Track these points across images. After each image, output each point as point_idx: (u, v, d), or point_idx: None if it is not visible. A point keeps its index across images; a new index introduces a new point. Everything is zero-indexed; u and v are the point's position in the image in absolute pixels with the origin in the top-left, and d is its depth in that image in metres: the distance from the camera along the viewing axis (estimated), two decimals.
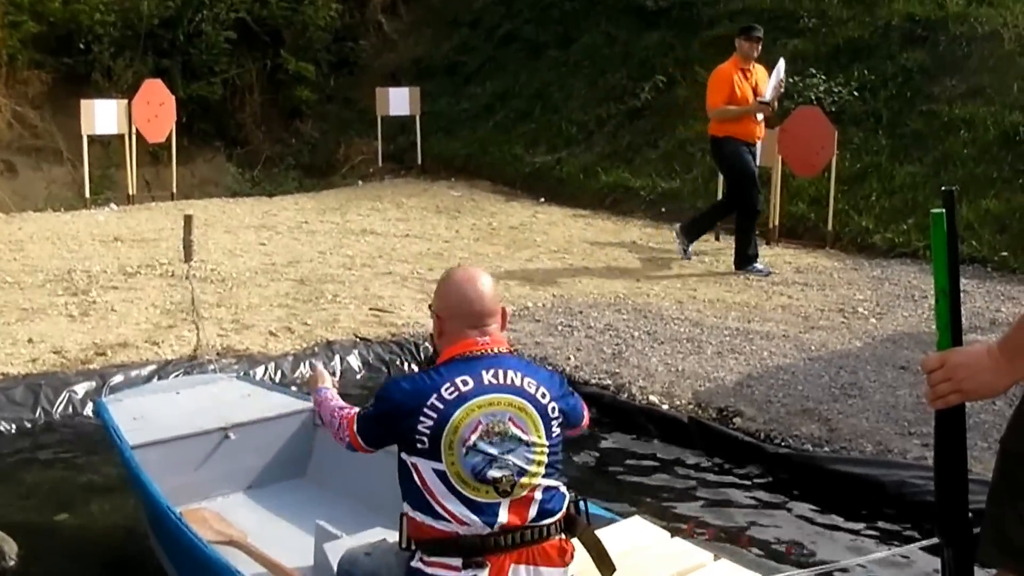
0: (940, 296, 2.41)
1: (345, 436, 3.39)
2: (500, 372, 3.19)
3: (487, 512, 3.08)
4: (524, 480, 3.11)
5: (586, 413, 3.52)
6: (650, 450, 6.23)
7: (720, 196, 10.85)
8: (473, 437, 3.09)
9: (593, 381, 6.97)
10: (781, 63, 10.16)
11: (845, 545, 5.01)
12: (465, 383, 3.14)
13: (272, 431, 5.10)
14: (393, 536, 3.46)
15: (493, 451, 3.08)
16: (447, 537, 3.09)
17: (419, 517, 3.13)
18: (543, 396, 3.19)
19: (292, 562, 3.76)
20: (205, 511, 4.43)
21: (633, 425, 6.49)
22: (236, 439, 4.94)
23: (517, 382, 3.18)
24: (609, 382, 6.95)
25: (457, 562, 3.07)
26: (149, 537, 4.64)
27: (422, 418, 3.11)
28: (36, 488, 5.60)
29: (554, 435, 3.19)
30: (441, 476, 3.10)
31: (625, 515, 4.10)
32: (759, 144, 10.21)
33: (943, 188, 2.53)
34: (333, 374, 7.30)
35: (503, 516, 3.08)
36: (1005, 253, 9.90)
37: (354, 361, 7.54)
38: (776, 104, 10.21)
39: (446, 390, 3.13)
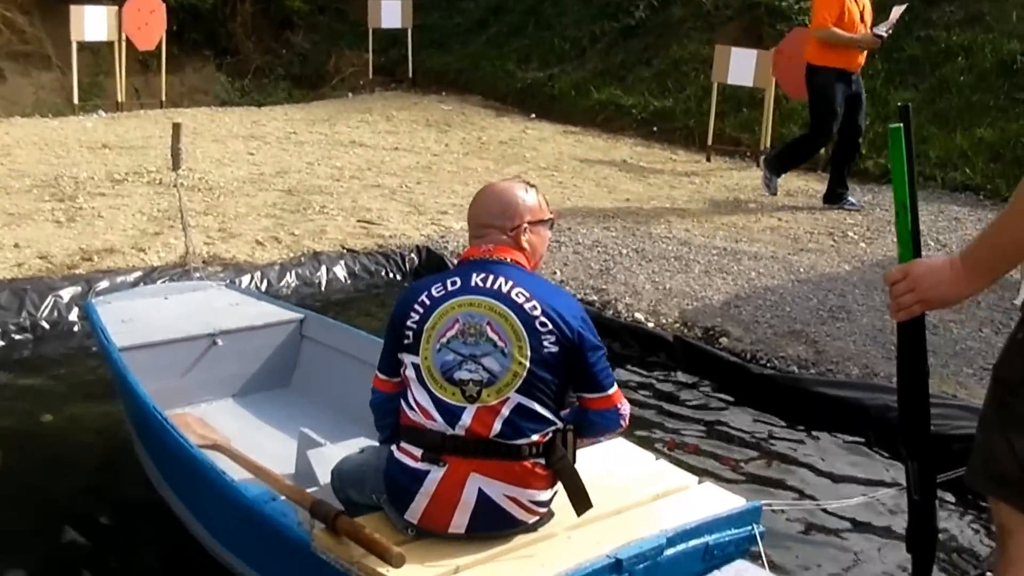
0: (900, 210, 2.52)
1: (371, 392, 3.44)
2: (491, 277, 3.19)
3: (452, 413, 3.11)
4: (493, 388, 3.09)
5: (619, 397, 3.28)
6: (635, 368, 6.24)
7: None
8: (449, 334, 3.14)
9: (579, 297, 6.95)
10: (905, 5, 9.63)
11: (827, 470, 5.04)
12: (454, 283, 3.21)
13: (259, 340, 5.10)
14: (373, 443, 3.55)
15: (465, 351, 3.11)
16: (415, 427, 3.17)
17: (402, 405, 3.23)
18: (533, 308, 3.14)
19: (275, 469, 3.76)
20: (189, 416, 4.42)
21: (618, 342, 6.49)
22: (223, 346, 4.94)
23: (504, 289, 3.16)
24: (595, 298, 6.94)
25: (418, 452, 3.15)
26: (133, 441, 4.65)
27: (412, 314, 3.21)
28: (19, 392, 5.59)
29: (544, 351, 3.12)
30: (416, 369, 3.19)
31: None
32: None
33: (899, 103, 2.56)
34: (320, 285, 7.32)
35: (466, 420, 3.10)
36: (998, 181, 9.87)
37: (340, 272, 7.52)
38: (886, 41, 9.41)
39: (435, 288, 3.22)
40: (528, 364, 3.10)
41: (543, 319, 3.13)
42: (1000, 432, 2.43)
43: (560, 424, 3.20)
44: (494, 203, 3.35)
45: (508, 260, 3.26)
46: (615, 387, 3.28)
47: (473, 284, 3.19)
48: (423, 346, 3.17)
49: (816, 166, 11.03)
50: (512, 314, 3.13)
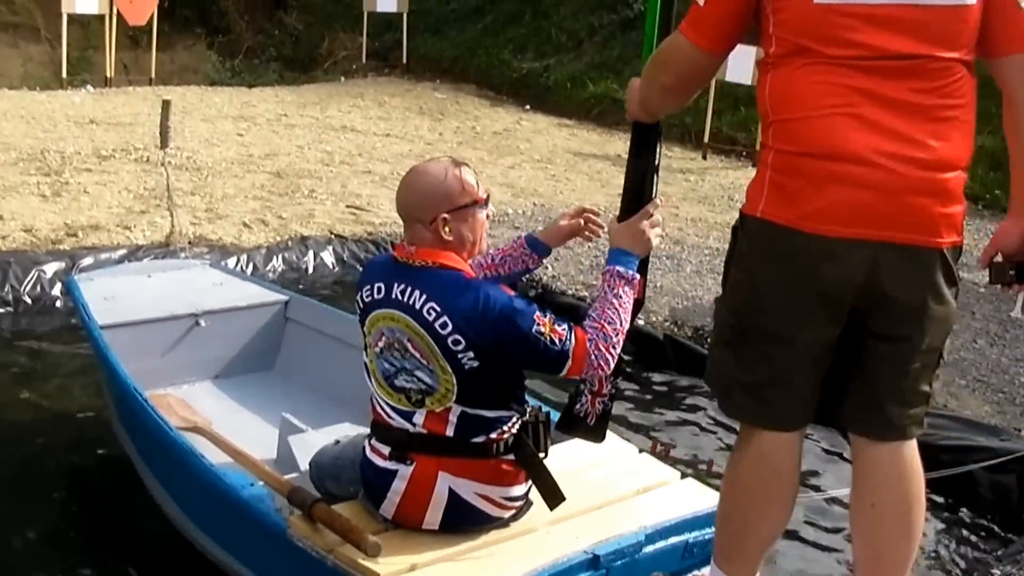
0: (646, 40, 3.12)
1: None
2: (408, 289, 2.99)
3: (404, 415, 3.06)
4: (433, 398, 3.01)
5: (578, 360, 2.98)
6: (623, 365, 6.18)
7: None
8: (380, 345, 3.06)
9: (569, 292, 6.92)
10: None
11: (811, 468, 5.00)
12: (379, 290, 3.06)
13: (243, 321, 5.04)
14: (357, 430, 3.53)
15: (397, 363, 3.03)
16: (382, 423, 3.12)
17: (372, 393, 3.17)
18: (444, 326, 2.94)
19: (255, 453, 3.71)
20: (171, 397, 4.37)
21: None
22: (206, 327, 4.88)
23: (417, 305, 2.97)
24: (585, 294, 6.89)
25: (386, 450, 3.09)
26: (112, 419, 4.59)
27: (356, 309, 3.17)
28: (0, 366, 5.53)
29: (466, 368, 2.96)
30: (367, 369, 3.15)
31: None
32: None
33: None
34: (306, 270, 7.27)
35: (419, 420, 3.04)
36: (998, 192, 9.80)
37: (328, 258, 7.46)
38: None
39: (366, 291, 3.10)
40: (455, 380, 2.98)
41: (456, 336, 2.94)
42: (714, 344, 2.94)
43: (522, 416, 3.13)
44: (410, 192, 3.10)
45: (429, 265, 3.02)
46: (568, 362, 2.97)
47: (393, 296, 3.02)
48: (368, 348, 3.12)
49: None
50: (426, 333, 2.96)
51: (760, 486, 2.81)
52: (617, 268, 3.09)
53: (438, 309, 2.95)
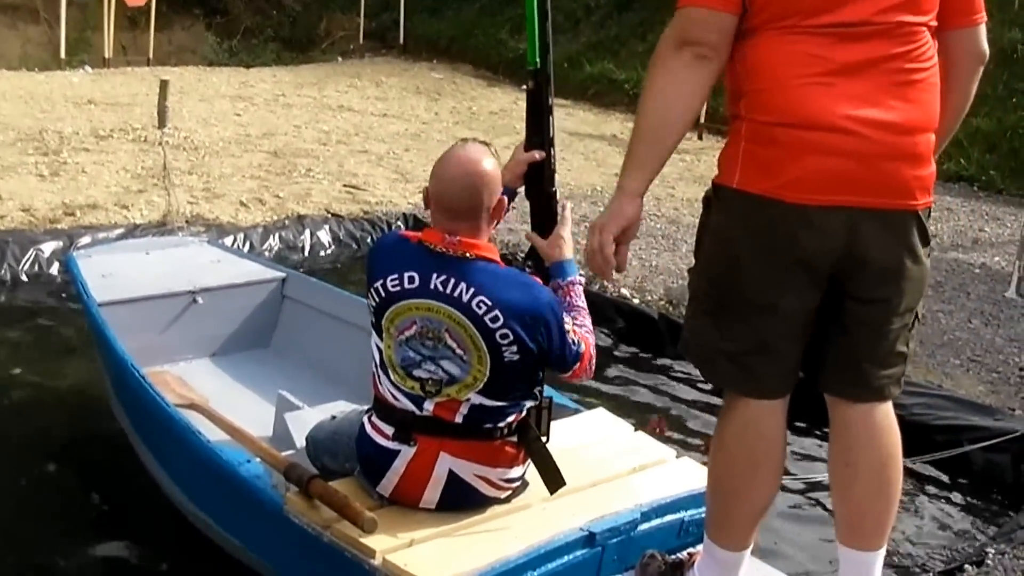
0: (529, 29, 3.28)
1: None
2: (451, 281, 2.95)
3: (414, 400, 3.05)
4: (452, 389, 3.00)
5: (584, 362, 3.09)
6: (618, 343, 6.21)
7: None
8: (407, 333, 3.01)
9: None
10: None
11: (806, 452, 5.02)
12: (411, 280, 2.99)
13: (240, 298, 5.04)
14: (352, 408, 3.51)
15: (425, 352, 3.00)
16: (386, 403, 3.10)
17: (376, 373, 3.14)
18: (495, 319, 2.93)
19: (252, 430, 3.71)
20: (167, 374, 4.36)
21: (603, 318, 6.43)
22: (203, 304, 4.88)
23: (465, 298, 2.94)
24: (581, 272, 6.89)
25: (389, 431, 3.08)
26: (109, 397, 4.60)
27: (372, 293, 3.07)
28: None
29: (506, 361, 2.97)
30: (380, 352, 3.10)
31: (589, 406, 4.07)
32: None
33: None
34: (303, 249, 7.27)
35: (429, 407, 3.03)
36: (993, 172, 9.80)
37: (324, 236, 7.49)
38: None
39: (392, 280, 3.01)
40: (488, 372, 2.98)
41: (505, 330, 2.93)
42: (691, 317, 2.94)
43: (531, 402, 3.13)
44: (477, 179, 2.99)
45: (472, 256, 2.98)
46: (578, 363, 3.09)
47: (432, 287, 2.96)
48: (384, 334, 3.06)
49: None
50: (471, 325, 2.95)
51: (746, 454, 2.81)
52: (571, 278, 3.22)
53: (488, 303, 2.93)
